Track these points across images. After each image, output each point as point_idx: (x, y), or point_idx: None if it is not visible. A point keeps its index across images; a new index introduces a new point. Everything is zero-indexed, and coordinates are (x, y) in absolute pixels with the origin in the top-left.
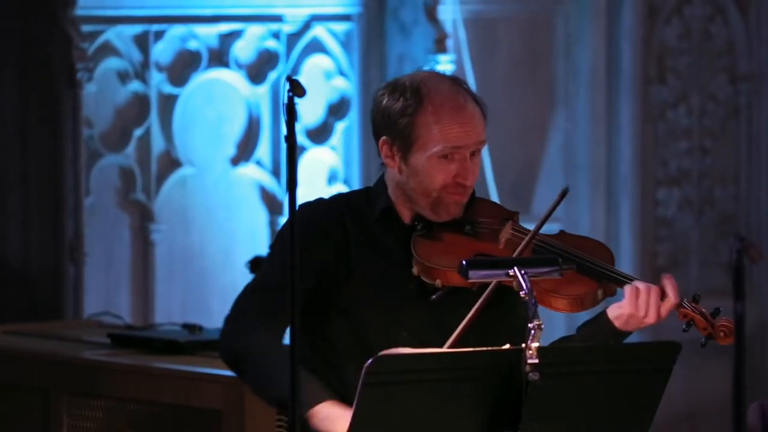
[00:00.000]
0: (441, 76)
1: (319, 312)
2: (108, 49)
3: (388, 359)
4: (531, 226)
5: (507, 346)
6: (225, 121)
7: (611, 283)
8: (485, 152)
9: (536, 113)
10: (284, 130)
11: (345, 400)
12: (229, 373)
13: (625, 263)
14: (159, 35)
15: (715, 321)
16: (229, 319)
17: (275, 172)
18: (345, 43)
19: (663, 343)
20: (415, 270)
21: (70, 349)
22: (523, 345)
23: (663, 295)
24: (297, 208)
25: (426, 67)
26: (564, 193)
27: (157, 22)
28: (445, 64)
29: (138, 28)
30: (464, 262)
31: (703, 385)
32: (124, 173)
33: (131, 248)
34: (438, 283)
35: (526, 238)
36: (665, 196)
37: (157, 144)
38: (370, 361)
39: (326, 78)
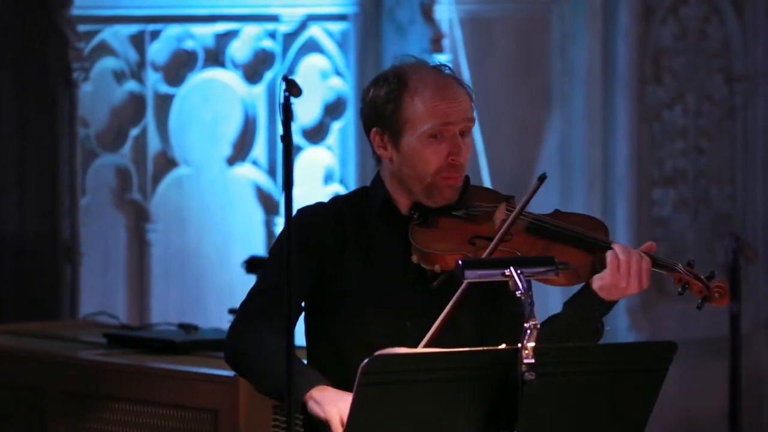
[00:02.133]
0: (423, 61)
1: (322, 312)
2: (104, 49)
3: (384, 359)
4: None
5: (503, 345)
6: (221, 121)
7: (603, 253)
8: (481, 152)
9: (532, 113)
10: (280, 130)
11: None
12: (225, 372)
13: None
14: (155, 35)
15: (710, 283)
16: (233, 324)
17: (271, 172)
18: (341, 43)
19: (659, 343)
20: (414, 258)
21: (67, 349)
22: (519, 345)
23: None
24: (295, 211)
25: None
26: (542, 179)
27: (153, 22)
28: None
29: (134, 28)
30: (460, 262)
31: (699, 385)
32: (120, 173)
33: (127, 248)
34: (437, 268)
35: (513, 214)
36: (661, 196)
37: (153, 144)
38: (366, 361)
39: (322, 78)
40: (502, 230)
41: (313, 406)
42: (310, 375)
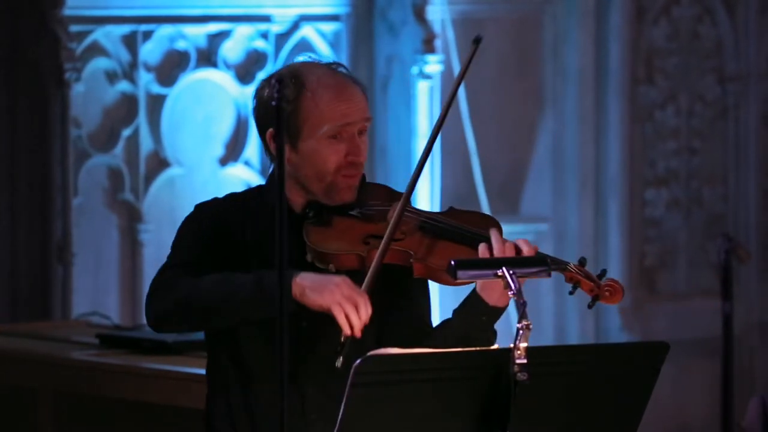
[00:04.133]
0: (316, 61)
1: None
2: (96, 49)
3: (376, 359)
4: (518, 227)
5: (495, 346)
6: (213, 122)
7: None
8: (473, 152)
9: (524, 113)
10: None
11: (253, 413)
12: None
13: (613, 263)
14: (147, 35)
15: (601, 282)
16: (150, 293)
17: (263, 173)
18: (333, 44)
19: (651, 343)
20: (308, 257)
21: (59, 350)
22: (512, 345)
23: (519, 253)
24: (194, 207)
25: (416, 70)
26: (477, 41)
27: (146, 22)
28: (433, 65)
29: (126, 28)
30: (452, 262)
31: (692, 385)
32: (113, 173)
33: (120, 248)
34: (331, 267)
35: (398, 206)
36: (653, 196)
37: (146, 144)
38: (358, 361)
39: None
40: (389, 229)
41: (309, 294)
42: (270, 273)
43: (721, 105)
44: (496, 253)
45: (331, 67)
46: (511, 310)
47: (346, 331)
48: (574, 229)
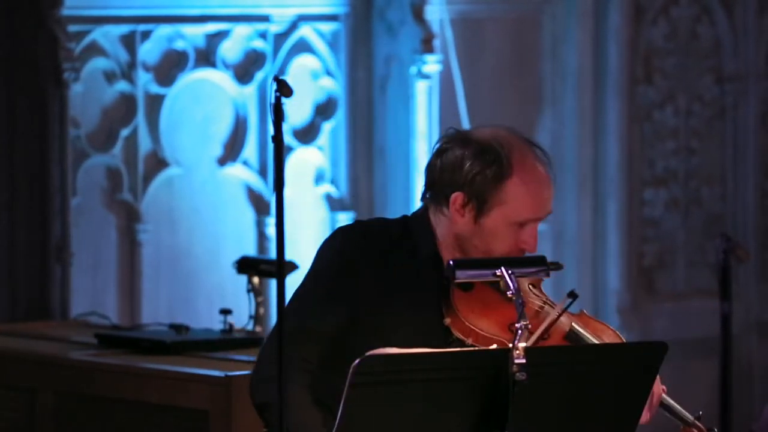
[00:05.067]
0: (524, 142)
1: (339, 356)
2: (95, 49)
3: (375, 359)
4: None
5: (494, 346)
6: (212, 121)
7: None
8: None
9: (523, 113)
10: (271, 130)
11: None
12: (216, 373)
13: (611, 263)
14: (146, 35)
15: None
16: (262, 361)
17: (262, 173)
18: (332, 43)
19: (649, 343)
20: (447, 321)
21: (57, 349)
22: (510, 345)
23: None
24: (337, 230)
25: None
26: (573, 297)
27: (144, 22)
28: (432, 65)
29: (125, 28)
30: (451, 262)
31: (690, 385)
32: (111, 173)
33: (118, 248)
34: (469, 341)
35: (558, 307)
36: (652, 196)
37: (144, 144)
38: (357, 361)
39: (313, 78)
40: (543, 327)
41: None
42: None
43: (720, 105)
44: None
45: (538, 157)
46: None
47: None
48: (573, 229)
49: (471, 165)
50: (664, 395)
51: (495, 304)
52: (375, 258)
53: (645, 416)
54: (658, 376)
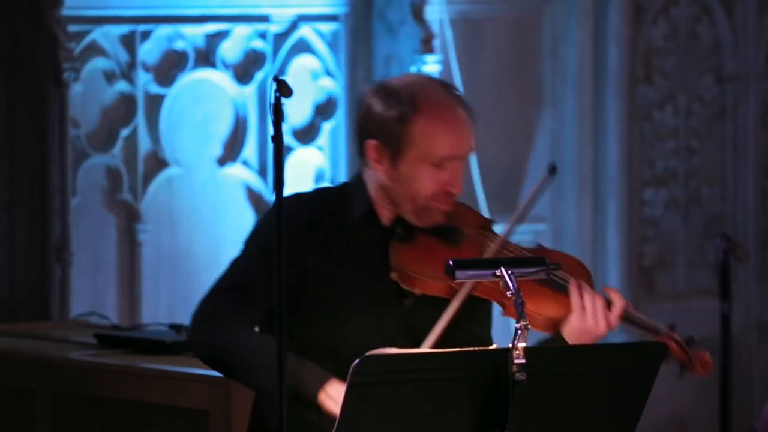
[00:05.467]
0: (434, 81)
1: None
2: (94, 49)
3: (374, 359)
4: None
5: (494, 346)
6: (212, 122)
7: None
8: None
9: (523, 113)
10: (271, 131)
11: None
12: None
13: (611, 263)
14: (146, 35)
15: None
16: (201, 317)
17: (262, 173)
18: (332, 44)
19: (649, 343)
20: (393, 275)
21: (57, 350)
22: (510, 345)
23: (609, 303)
24: (273, 202)
25: (414, 70)
26: (552, 170)
27: (144, 23)
28: (432, 65)
29: (125, 28)
30: (451, 262)
31: (690, 385)
32: (111, 173)
33: (118, 248)
34: (417, 291)
35: (498, 240)
36: (652, 196)
37: (144, 144)
38: (357, 361)
39: (313, 78)
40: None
41: (329, 404)
42: (316, 368)
43: (720, 105)
44: (588, 306)
45: (449, 92)
46: None
47: None
48: (573, 229)
49: (379, 110)
50: (629, 309)
51: (437, 249)
52: (314, 218)
53: (603, 328)
54: (618, 292)
